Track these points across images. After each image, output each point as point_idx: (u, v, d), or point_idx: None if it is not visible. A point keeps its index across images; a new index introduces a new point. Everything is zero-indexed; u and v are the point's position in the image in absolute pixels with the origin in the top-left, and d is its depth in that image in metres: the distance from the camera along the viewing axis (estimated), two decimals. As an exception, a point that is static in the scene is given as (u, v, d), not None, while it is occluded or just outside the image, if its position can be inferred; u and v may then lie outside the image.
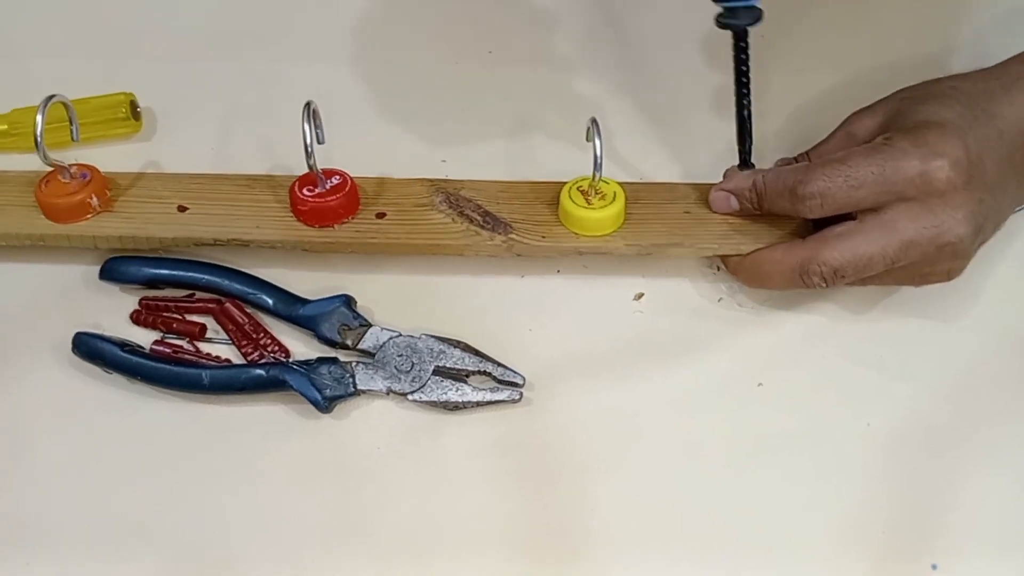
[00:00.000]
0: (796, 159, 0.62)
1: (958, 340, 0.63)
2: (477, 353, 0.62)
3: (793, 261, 0.59)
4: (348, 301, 0.63)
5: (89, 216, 0.63)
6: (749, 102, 0.60)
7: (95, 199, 0.62)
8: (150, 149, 0.65)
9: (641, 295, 0.64)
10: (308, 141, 0.57)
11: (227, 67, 0.64)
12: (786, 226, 0.62)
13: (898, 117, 0.57)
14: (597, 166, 0.59)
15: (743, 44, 0.59)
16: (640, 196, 0.64)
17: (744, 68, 0.59)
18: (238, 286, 0.63)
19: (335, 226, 0.62)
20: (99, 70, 0.63)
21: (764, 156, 0.66)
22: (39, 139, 0.58)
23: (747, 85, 0.60)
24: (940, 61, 0.65)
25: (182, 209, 0.63)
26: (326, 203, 0.61)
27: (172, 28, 0.64)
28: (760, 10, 0.57)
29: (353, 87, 0.63)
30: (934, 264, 0.58)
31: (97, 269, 0.64)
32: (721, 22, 0.58)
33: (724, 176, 0.64)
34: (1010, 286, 0.58)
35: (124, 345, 0.62)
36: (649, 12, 0.64)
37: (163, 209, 0.64)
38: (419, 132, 0.64)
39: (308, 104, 0.57)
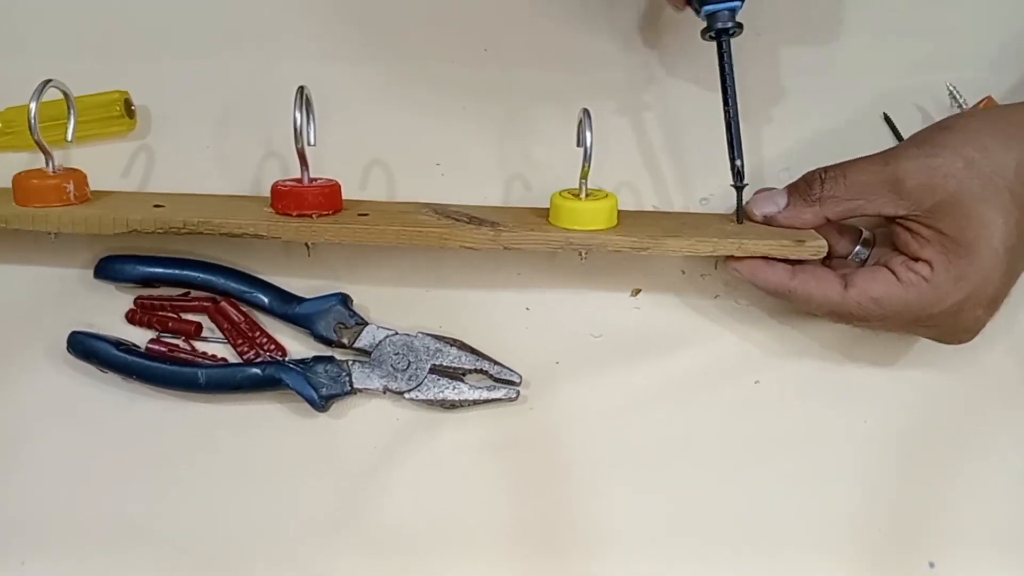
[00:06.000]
0: (824, 172, 0.59)
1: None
2: (474, 351, 0.62)
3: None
4: (344, 299, 0.62)
5: (59, 205, 0.60)
6: (737, 113, 0.58)
7: (71, 185, 0.59)
8: (144, 148, 0.64)
9: (638, 291, 0.64)
10: (299, 124, 0.56)
11: (223, 66, 0.63)
12: (787, 234, 0.60)
13: (949, 211, 0.55)
14: (587, 157, 0.57)
15: (726, 51, 0.57)
16: (631, 218, 0.62)
17: (729, 78, 0.58)
18: (234, 284, 0.62)
19: (314, 216, 0.59)
20: (93, 68, 0.63)
21: (761, 159, 0.65)
22: (33, 120, 0.56)
23: (734, 96, 0.58)
24: (946, 64, 0.64)
25: (158, 207, 0.61)
26: (307, 188, 0.59)
27: (167, 26, 0.63)
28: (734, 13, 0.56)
29: (347, 89, 0.63)
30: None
31: (91, 269, 0.63)
32: (703, 32, 0.58)
33: (754, 196, 0.61)
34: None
35: (119, 344, 0.62)
36: (651, 17, 0.64)
37: (138, 206, 0.62)
38: (415, 135, 0.64)
39: (301, 89, 0.56)
